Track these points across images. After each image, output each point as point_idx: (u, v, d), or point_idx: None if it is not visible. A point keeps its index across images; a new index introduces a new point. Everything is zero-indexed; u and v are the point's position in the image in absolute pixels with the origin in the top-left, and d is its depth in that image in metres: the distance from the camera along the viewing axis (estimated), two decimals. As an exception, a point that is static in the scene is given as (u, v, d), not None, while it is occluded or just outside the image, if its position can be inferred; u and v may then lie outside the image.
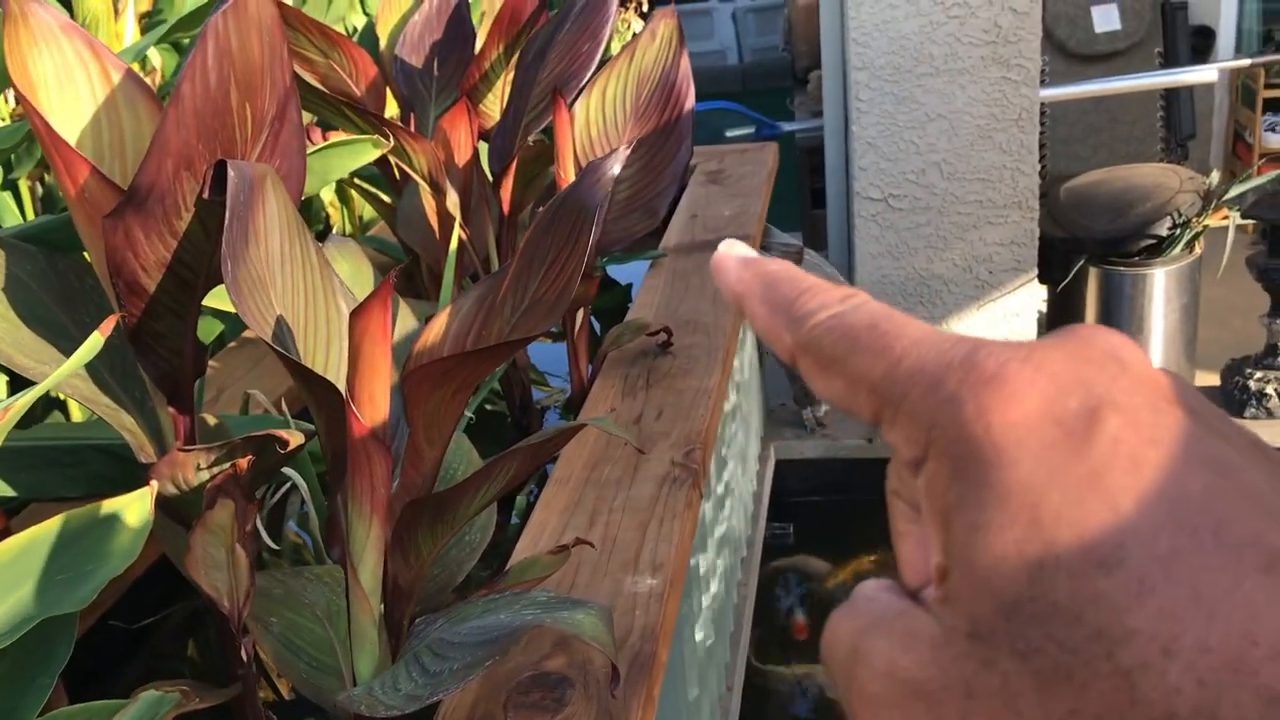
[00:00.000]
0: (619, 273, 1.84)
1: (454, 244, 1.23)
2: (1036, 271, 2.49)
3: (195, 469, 0.72)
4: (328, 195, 1.92)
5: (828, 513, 2.33)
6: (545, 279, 0.77)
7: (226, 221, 0.63)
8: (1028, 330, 2.51)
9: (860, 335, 0.23)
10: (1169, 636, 0.18)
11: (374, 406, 0.64)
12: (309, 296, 0.72)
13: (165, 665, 1.06)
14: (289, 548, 1.15)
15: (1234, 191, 2.47)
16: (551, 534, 0.97)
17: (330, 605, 0.80)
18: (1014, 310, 2.50)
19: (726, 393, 1.31)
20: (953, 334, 0.22)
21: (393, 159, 1.33)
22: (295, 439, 0.67)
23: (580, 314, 1.22)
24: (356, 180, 1.57)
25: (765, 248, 2.03)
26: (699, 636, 1.36)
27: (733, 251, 0.26)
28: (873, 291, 2.64)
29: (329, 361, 0.72)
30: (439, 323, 0.80)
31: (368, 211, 1.96)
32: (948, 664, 0.20)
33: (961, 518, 0.20)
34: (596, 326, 1.68)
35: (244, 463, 0.72)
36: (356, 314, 0.61)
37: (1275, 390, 2.03)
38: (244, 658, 0.72)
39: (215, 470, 0.72)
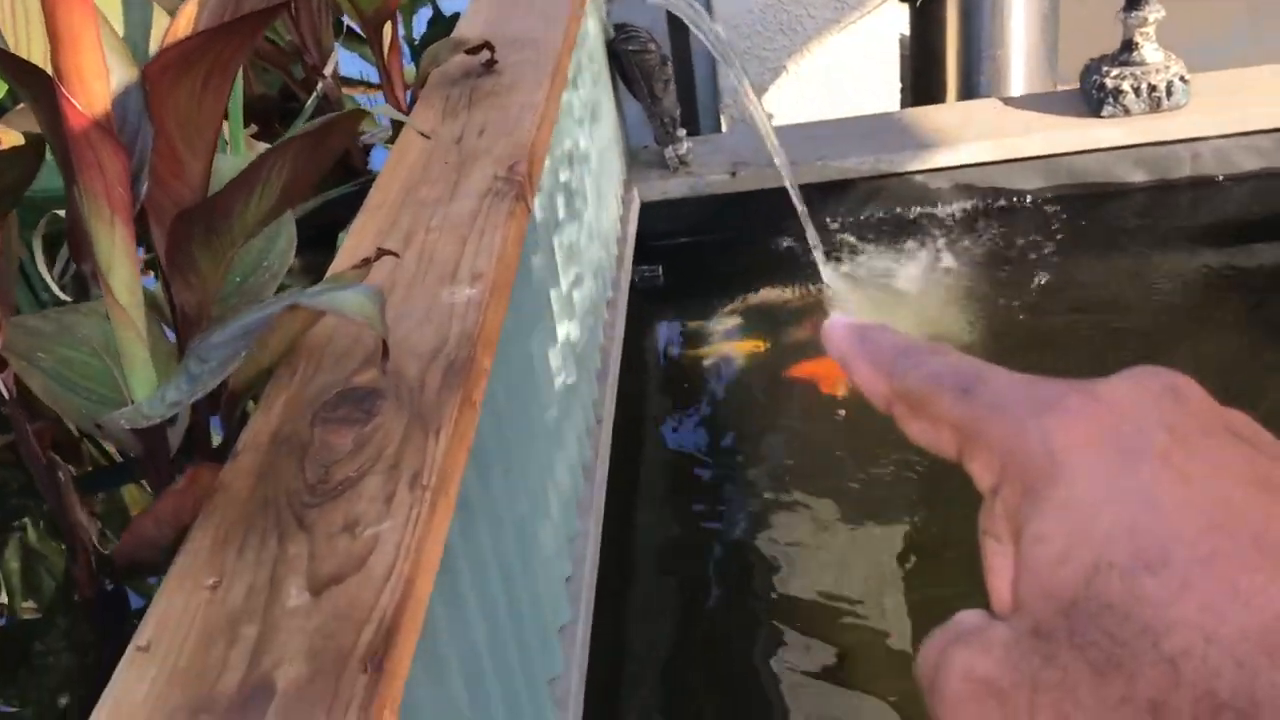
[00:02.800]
0: (450, 5, 1.72)
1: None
2: (897, -11, 2.41)
3: (-88, 190, 0.63)
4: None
5: (696, 253, 2.30)
6: (297, -53, 0.68)
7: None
8: (889, 52, 2.45)
9: (943, 380, 0.26)
10: (1209, 626, 0.20)
11: (86, 87, 0.56)
12: (13, -21, 0.62)
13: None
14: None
15: (1092, -112, 2.38)
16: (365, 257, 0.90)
17: (108, 337, 0.73)
18: (875, 31, 2.43)
19: (557, 108, 1.23)
20: (1024, 375, 0.25)
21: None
22: (7, 137, 0.58)
23: (387, 31, 1.12)
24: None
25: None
26: (556, 367, 1.33)
27: (840, 319, 0.29)
28: (734, 23, 2.54)
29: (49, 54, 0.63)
30: (188, 10, 0.71)
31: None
32: (1016, 661, 0.22)
33: (1028, 530, 0.23)
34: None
35: (-33, 179, 0.63)
36: (41, -29, 0.52)
37: (1131, 87, 2.02)
38: (5, 394, 0.66)
39: (-63, 191, 0.64)
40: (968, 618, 0.25)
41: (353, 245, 0.93)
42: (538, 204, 1.26)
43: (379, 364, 0.63)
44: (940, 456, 0.27)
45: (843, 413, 1.87)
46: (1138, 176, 2.22)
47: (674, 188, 2.25)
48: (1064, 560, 0.22)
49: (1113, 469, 0.22)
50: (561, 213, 1.45)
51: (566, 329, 1.44)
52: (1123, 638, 0.21)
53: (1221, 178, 2.18)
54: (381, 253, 0.78)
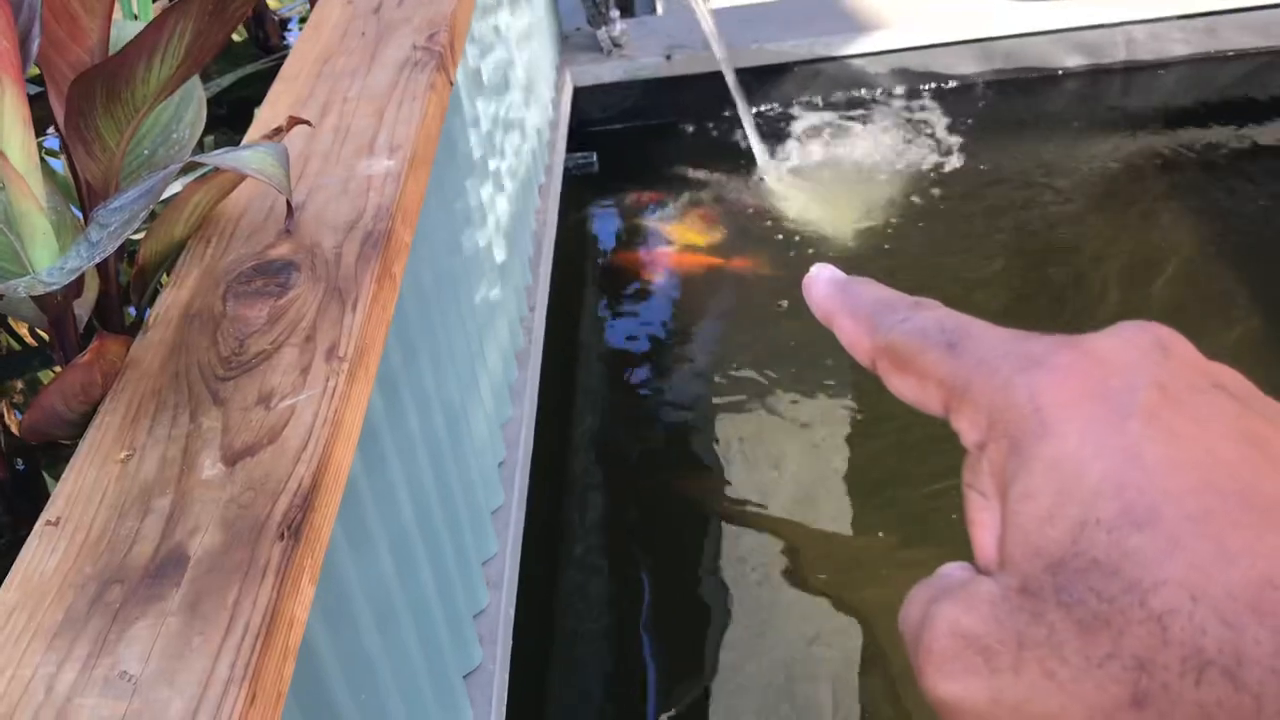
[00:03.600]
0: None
1: None
2: None
3: None
4: None
5: (631, 139, 2.26)
6: None
7: None
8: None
9: (929, 335, 0.25)
10: (1196, 584, 0.20)
11: (-38, -71, 0.52)
12: None
13: None
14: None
15: None
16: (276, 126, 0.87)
17: (9, 209, 0.70)
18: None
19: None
20: (1010, 329, 0.25)
21: None
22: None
23: (300, -106, 1.07)
24: None
25: None
26: (485, 251, 1.31)
27: (823, 274, 0.29)
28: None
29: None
30: None
31: None
32: (1003, 618, 0.22)
33: (1015, 487, 0.23)
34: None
35: None
36: None
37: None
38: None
39: None
40: (953, 571, 0.25)
41: (266, 116, 0.89)
42: (461, 80, 1.22)
43: (285, 224, 0.61)
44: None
45: (784, 304, 1.88)
46: (1073, 61, 2.21)
47: (608, 71, 2.21)
48: (1051, 517, 0.22)
49: (1101, 426, 0.22)
50: (488, 90, 1.42)
51: (496, 213, 1.41)
52: (1109, 595, 0.21)
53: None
54: (294, 121, 0.75)
